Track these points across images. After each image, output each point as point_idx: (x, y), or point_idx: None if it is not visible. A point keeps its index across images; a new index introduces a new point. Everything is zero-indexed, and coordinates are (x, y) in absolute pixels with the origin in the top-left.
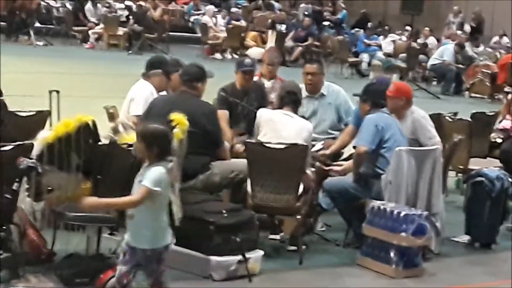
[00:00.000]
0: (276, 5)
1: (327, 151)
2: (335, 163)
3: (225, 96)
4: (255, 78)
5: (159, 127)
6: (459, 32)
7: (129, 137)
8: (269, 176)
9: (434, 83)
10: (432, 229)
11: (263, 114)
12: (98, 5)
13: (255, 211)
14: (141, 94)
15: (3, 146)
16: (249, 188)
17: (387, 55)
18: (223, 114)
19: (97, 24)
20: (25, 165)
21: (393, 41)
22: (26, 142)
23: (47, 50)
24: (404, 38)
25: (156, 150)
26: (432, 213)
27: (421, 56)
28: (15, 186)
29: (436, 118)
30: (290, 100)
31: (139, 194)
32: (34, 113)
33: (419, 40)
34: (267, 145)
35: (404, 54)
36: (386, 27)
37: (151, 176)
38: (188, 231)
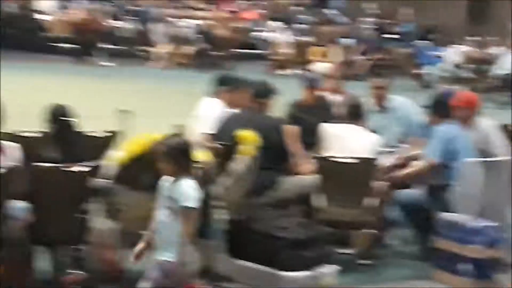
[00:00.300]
0: (341, 19)
1: (399, 174)
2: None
3: (294, 112)
4: (321, 93)
5: (179, 139)
6: None
7: (199, 155)
8: (338, 190)
9: (501, 93)
10: (504, 240)
11: (327, 128)
12: (164, 24)
13: (326, 225)
14: (209, 112)
15: (75, 166)
16: (319, 203)
17: (453, 66)
18: (294, 130)
19: (163, 43)
20: (99, 185)
21: (459, 52)
22: (97, 162)
23: (114, 70)
24: (469, 48)
25: (183, 163)
26: (503, 224)
27: (487, 66)
28: (89, 205)
29: (505, 128)
30: (354, 113)
31: (191, 220)
32: (110, 134)
33: (484, 50)
34: (336, 159)
35: (470, 65)
36: (451, 38)
37: (189, 194)
38: (259, 247)
